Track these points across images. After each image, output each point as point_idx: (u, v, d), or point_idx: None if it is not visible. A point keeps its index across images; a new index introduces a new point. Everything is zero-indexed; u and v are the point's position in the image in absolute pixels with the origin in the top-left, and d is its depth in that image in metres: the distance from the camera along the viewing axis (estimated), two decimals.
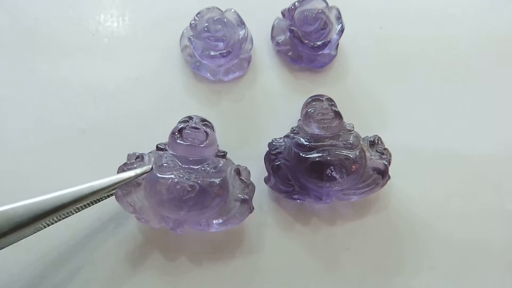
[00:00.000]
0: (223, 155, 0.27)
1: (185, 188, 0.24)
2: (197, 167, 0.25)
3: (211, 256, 0.27)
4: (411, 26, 0.35)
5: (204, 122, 0.27)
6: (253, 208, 0.26)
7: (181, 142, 0.25)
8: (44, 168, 0.28)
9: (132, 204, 0.25)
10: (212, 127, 0.28)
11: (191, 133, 0.26)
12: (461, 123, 0.32)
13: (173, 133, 0.26)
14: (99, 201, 0.24)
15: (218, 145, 0.27)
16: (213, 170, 0.25)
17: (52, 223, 0.22)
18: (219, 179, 0.25)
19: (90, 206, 0.24)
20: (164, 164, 0.25)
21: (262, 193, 0.29)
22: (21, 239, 0.22)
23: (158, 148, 0.26)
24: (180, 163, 0.25)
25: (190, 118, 0.27)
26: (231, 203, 0.25)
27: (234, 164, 0.27)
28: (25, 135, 0.29)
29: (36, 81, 0.31)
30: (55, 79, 0.31)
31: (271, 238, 0.28)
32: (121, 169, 0.25)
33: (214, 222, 0.25)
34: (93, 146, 0.29)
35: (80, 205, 0.23)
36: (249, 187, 0.26)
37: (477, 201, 0.30)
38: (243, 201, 0.25)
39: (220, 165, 0.25)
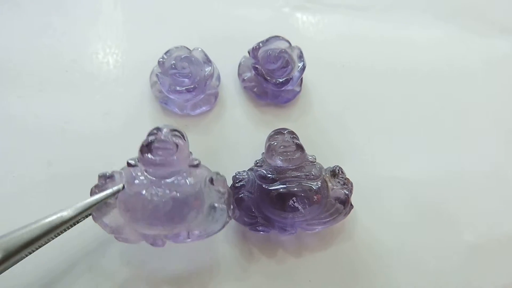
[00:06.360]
0: (197, 165, 0.26)
1: (158, 206, 0.24)
2: (170, 180, 0.25)
3: None
4: (370, 63, 0.37)
5: (174, 132, 0.26)
6: (231, 215, 0.25)
7: (151, 157, 0.24)
8: (12, 201, 0.28)
9: (109, 224, 0.24)
10: (183, 136, 0.26)
11: (160, 146, 0.25)
12: (420, 153, 0.33)
13: (141, 148, 0.25)
14: (76, 224, 0.24)
15: (191, 153, 0.26)
16: (186, 183, 0.25)
17: (27, 255, 0.22)
18: (193, 191, 0.24)
19: (66, 231, 0.23)
20: (136, 182, 0.24)
21: (227, 226, 0.29)
22: None
23: (128, 165, 0.25)
24: (152, 177, 0.24)
25: (159, 129, 0.26)
26: (209, 212, 0.25)
27: (209, 171, 0.26)
28: None
29: (5, 114, 0.31)
30: (26, 112, 0.31)
31: (236, 272, 0.28)
32: (93, 191, 0.25)
33: (195, 232, 0.25)
34: (59, 178, 0.29)
35: (53, 234, 0.23)
36: (225, 195, 0.25)
37: (436, 230, 0.30)
38: (221, 209, 0.25)
39: (192, 178, 0.25)
